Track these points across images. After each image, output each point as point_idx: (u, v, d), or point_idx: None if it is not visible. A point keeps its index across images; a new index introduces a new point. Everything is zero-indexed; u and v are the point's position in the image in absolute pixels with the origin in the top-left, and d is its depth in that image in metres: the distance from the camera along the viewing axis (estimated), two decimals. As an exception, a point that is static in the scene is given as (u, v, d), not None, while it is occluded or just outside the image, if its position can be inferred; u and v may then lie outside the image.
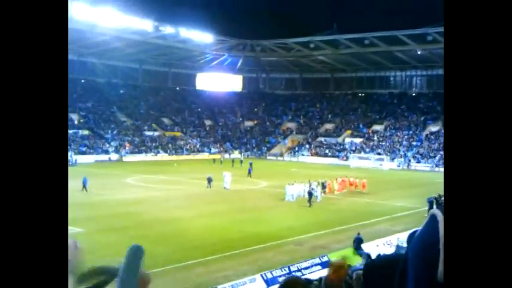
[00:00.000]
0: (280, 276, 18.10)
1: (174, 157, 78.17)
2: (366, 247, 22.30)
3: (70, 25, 69.33)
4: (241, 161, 65.72)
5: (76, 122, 79.63)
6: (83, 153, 70.46)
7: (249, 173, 54.95)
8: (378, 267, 2.96)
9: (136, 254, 2.96)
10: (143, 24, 76.76)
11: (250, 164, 61.76)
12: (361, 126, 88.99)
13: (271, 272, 18.39)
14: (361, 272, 4.93)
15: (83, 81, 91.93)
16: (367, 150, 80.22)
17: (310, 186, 39.51)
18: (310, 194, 36.41)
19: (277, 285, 3.46)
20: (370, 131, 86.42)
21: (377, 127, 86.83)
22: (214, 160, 70.00)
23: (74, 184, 40.61)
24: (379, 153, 77.40)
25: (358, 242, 22.41)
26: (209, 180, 43.88)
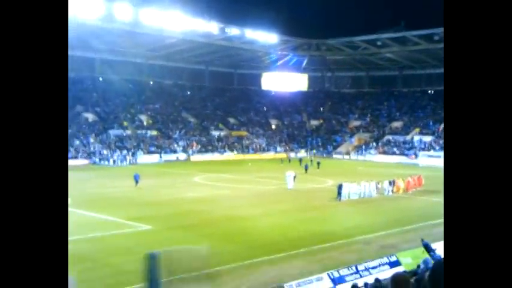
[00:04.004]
0: (347, 275, 17.77)
1: (241, 156, 78.80)
2: (436, 247, 21.59)
3: (139, 30, 71.36)
4: (312, 160, 65.81)
5: (145, 123, 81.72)
6: (152, 153, 72.18)
7: (306, 169, 56.63)
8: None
9: (152, 261, 2.93)
10: (209, 27, 77.85)
11: (318, 164, 61.86)
12: (430, 123, 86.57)
13: (338, 271, 18.09)
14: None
15: (151, 83, 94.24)
16: (437, 148, 77.96)
17: (370, 186, 39.39)
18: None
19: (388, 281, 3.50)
20: (440, 129, 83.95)
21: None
22: (282, 160, 70.34)
23: (143, 183, 41.78)
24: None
25: (426, 247, 21.68)
26: (294, 177, 44.03)
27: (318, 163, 62.76)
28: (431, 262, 16.95)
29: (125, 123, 78.91)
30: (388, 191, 39.88)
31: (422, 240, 22.35)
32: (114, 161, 64.54)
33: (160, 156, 71.48)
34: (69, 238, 3.18)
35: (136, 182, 41.60)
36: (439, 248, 21.55)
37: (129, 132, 76.72)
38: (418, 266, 15.23)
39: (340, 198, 36.53)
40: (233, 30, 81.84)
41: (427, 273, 6.40)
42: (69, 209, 3.41)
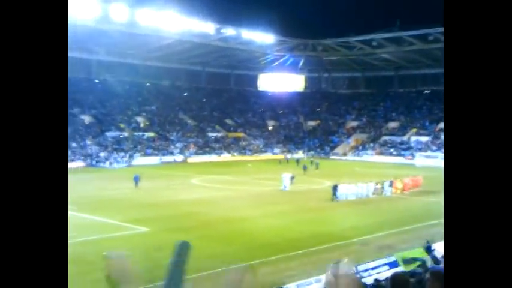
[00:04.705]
0: (346, 276, 17.73)
1: (238, 157, 78.72)
2: (436, 247, 21.58)
3: (135, 31, 71.27)
4: (311, 161, 65.90)
5: (142, 125, 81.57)
6: (149, 155, 72.06)
7: (304, 170, 57.14)
8: None
9: (183, 249, 2.90)
10: (205, 27, 77.82)
11: (317, 164, 62.04)
12: (427, 124, 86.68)
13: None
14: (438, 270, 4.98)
15: (148, 84, 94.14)
16: (434, 148, 78.05)
17: (367, 186, 39.43)
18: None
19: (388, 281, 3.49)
20: (436, 129, 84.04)
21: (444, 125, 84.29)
22: (280, 161, 70.62)
23: (140, 185, 41.76)
24: (446, 151, 75.08)
25: (428, 248, 21.63)
26: (292, 178, 44.22)
27: (317, 164, 62.86)
28: (431, 263, 16.99)
29: (122, 125, 78.80)
30: (386, 192, 39.90)
31: (427, 242, 22.37)
32: (110, 163, 64.41)
33: (160, 159, 71.44)
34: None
35: (136, 183, 41.87)
36: (438, 248, 21.58)
37: (126, 134, 76.60)
38: (419, 266, 15.25)
39: (336, 199, 36.51)
40: (229, 31, 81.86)
41: (427, 274, 6.39)
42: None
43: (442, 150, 75.33)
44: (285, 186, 42.04)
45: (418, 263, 16.85)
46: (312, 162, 65.20)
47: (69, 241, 3.26)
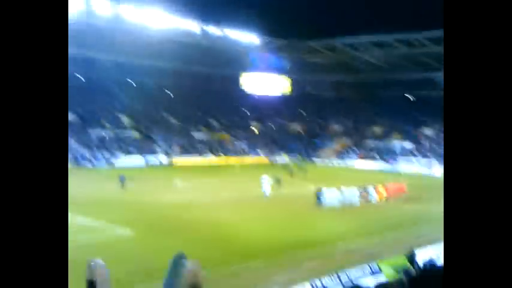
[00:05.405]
0: (329, 285, 17.73)
1: (223, 159, 78.51)
2: (418, 254, 21.67)
3: (119, 26, 70.77)
4: (297, 165, 65.77)
5: (126, 124, 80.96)
6: (133, 153, 71.63)
7: (291, 173, 57.23)
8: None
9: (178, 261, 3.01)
10: (191, 26, 77.68)
11: (303, 169, 62.12)
12: (411, 129, 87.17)
13: (320, 280, 18.05)
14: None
15: (132, 83, 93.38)
16: (417, 154, 78.55)
17: (351, 192, 39.33)
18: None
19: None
20: (420, 135, 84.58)
21: (427, 131, 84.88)
22: (266, 165, 70.75)
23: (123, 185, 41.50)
24: (428, 157, 75.68)
25: (411, 257, 21.70)
26: (278, 181, 44.55)
27: (303, 168, 62.87)
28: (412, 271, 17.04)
29: (106, 124, 78.18)
30: (370, 198, 39.97)
31: (412, 250, 22.40)
32: (94, 163, 63.90)
33: (145, 159, 71.07)
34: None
35: (122, 184, 41.98)
36: (421, 255, 21.65)
37: (109, 133, 76.03)
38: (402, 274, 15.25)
39: (320, 205, 36.50)
40: (215, 31, 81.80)
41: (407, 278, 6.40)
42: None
43: (425, 156, 75.98)
44: (265, 191, 41.67)
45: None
46: (299, 166, 64.99)
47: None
